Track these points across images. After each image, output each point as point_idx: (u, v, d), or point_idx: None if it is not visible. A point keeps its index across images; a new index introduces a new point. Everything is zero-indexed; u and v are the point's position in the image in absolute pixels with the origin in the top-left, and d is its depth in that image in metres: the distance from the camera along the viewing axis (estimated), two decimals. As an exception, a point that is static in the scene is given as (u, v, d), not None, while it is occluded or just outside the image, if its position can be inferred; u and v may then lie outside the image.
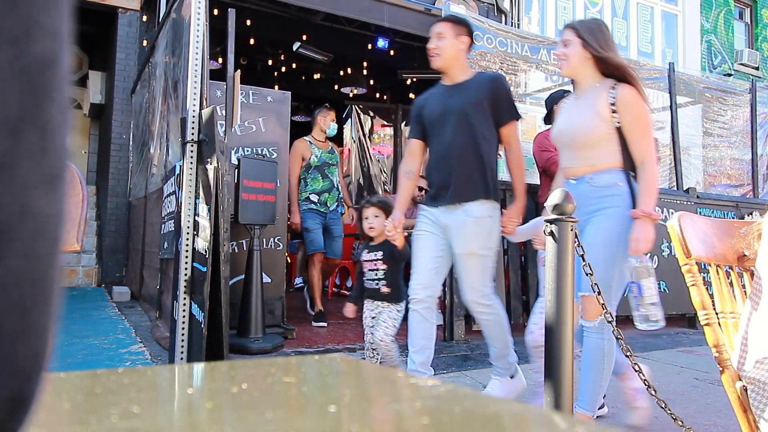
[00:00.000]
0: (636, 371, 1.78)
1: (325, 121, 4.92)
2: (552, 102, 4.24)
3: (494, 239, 2.59)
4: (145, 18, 7.11)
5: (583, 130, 2.22)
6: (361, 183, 8.02)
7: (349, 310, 2.92)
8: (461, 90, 2.61)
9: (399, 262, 2.85)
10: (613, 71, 2.25)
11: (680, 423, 1.61)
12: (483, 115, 2.56)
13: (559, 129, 2.35)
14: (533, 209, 4.35)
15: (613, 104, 2.18)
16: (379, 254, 2.83)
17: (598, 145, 2.19)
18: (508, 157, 2.70)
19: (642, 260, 2.02)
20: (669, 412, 1.62)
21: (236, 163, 3.81)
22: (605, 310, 1.85)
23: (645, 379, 1.75)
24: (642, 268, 2.00)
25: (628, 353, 1.77)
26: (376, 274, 2.84)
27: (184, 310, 2.85)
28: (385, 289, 2.81)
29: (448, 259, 2.64)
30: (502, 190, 4.22)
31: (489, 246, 2.56)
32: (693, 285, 1.34)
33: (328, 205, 4.78)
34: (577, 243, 1.77)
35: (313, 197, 4.71)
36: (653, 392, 1.70)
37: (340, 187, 4.99)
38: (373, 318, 2.85)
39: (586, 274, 1.85)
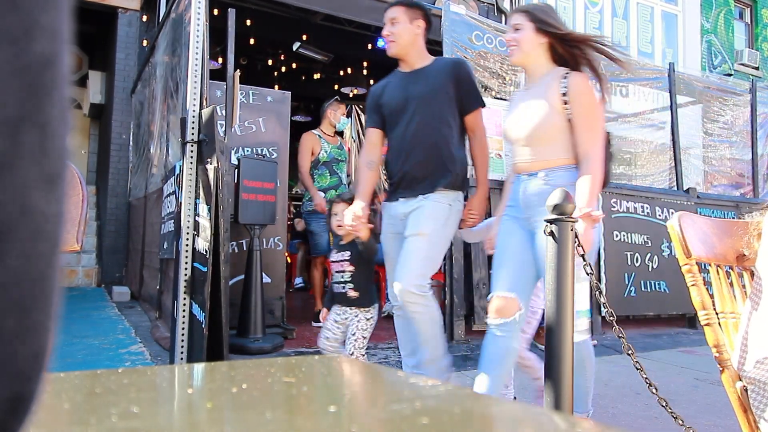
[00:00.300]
0: (638, 369, 1.77)
1: (335, 115, 4.74)
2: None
3: (449, 229, 2.40)
4: (145, 18, 7.11)
5: (536, 123, 2.06)
6: (361, 183, 8.03)
7: (324, 316, 2.68)
8: (422, 76, 2.46)
9: (369, 263, 2.62)
10: (576, 47, 2.11)
11: (681, 422, 1.61)
12: (446, 103, 2.40)
13: (511, 122, 2.18)
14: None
15: (564, 94, 2.03)
16: (347, 254, 2.59)
17: (552, 139, 2.05)
18: (471, 145, 2.55)
19: (578, 264, 1.81)
20: (669, 411, 1.62)
21: (236, 163, 3.81)
22: (606, 309, 1.84)
23: (646, 377, 1.75)
24: (577, 271, 1.80)
25: (630, 352, 1.77)
26: (343, 276, 2.59)
27: (184, 310, 2.86)
28: (352, 294, 2.56)
29: None
30: (497, 189, 4.24)
31: (441, 233, 2.35)
32: (693, 285, 1.34)
33: None
34: (577, 243, 1.77)
35: (320, 194, 4.65)
36: (654, 390, 1.70)
37: (347, 184, 4.89)
38: (336, 322, 2.60)
39: (587, 274, 1.85)
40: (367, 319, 2.58)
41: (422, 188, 2.38)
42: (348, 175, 7.76)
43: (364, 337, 2.57)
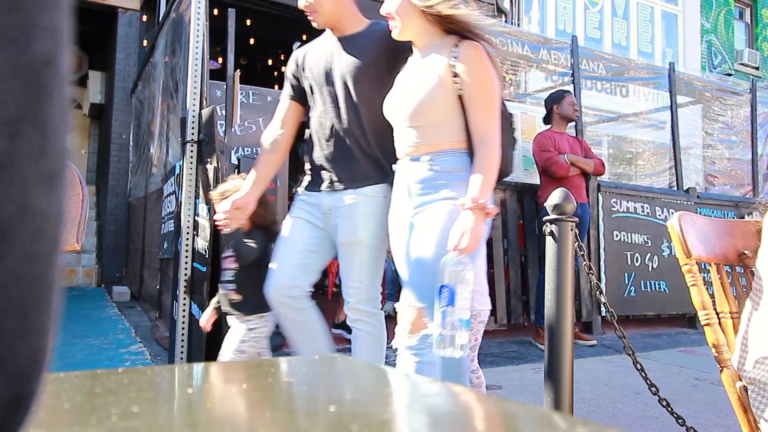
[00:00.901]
0: (638, 370, 1.77)
1: None
2: (552, 102, 4.25)
3: (386, 225, 2.04)
4: (145, 18, 7.11)
5: (420, 100, 1.75)
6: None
7: (205, 320, 2.36)
8: (351, 45, 2.05)
9: (261, 263, 2.24)
10: (451, 26, 1.78)
11: (681, 421, 1.61)
12: (376, 79, 2.00)
13: (393, 100, 1.86)
14: (534, 209, 4.36)
15: (455, 66, 1.73)
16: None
17: (439, 118, 1.75)
18: None
19: (462, 262, 1.55)
20: (670, 410, 1.62)
21: (236, 163, 3.81)
22: (607, 309, 1.84)
23: (646, 377, 1.75)
24: (461, 271, 1.53)
25: (630, 352, 1.77)
26: (226, 275, 2.26)
27: (184, 310, 2.86)
28: (234, 296, 2.22)
29: (324, 255, 2.09)
30: (500, 190, 4.24)
31: (380, 233, 2.00)
32: (693, 285, 1.34)
33: None
34: (577, 243, 1.77)
35: None
36: (654, 391, 1.70)
37: None
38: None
39: (587, 274, 1.84)
40: (249, 329, 2.21)
41: (349, 180, 2.02)
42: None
43: (242, 351, 2.19)
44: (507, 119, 1.83)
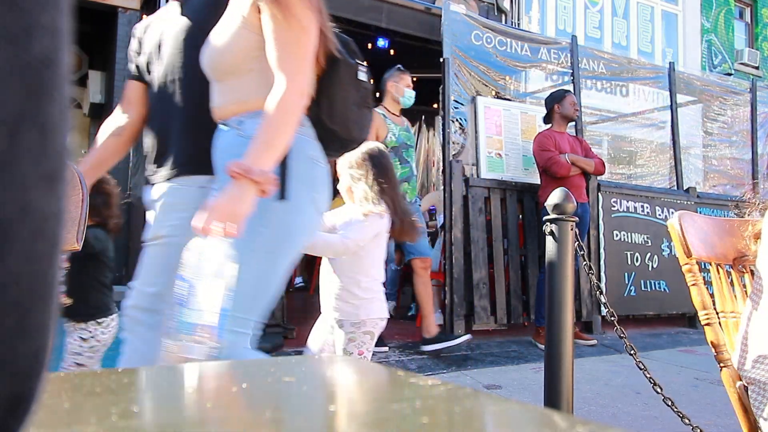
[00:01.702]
0: (641, 369, 1.77)
1: (398, 88, 3.77)
2: (553, 101, 4.25)
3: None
4: (145, 17, 7.12)
5: (220, 46, 1.38)
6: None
7: None
8: (186, 8, 1.72)
9: (96, 262, 2.01)
10: None
11: (687, 421, 1.61)
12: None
13: (203, 49, 1.47)
14: (534, 209, 4.35)
15: None
16: None
17: (244, 69, 1.36)
18: None
19: (208, 249, 1.18)
20: (675, 410, 1.62)
21: (236, 162, 3.80)
22: (607, 309, 1.84)
23: (650, 377, 1.75)
24: (205, 262, 1.16)
25: (632, 351, 1.77)
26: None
27: (184, 310, 2.85)
28: (63, 299, 1.95)
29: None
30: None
31: (188, 232, 1.61)
32: (693, 284, 1.34)
33: (407, 198, 3.63)
34: (577, 243, 1.77)
35: None
36: (659, 390, 1.70)
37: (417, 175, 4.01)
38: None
39: (587, 274, 1.84)
40: (83, 339, 1.96)
41: (167, 169, 1.65)
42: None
43: (78, 364, 1.96)
44: (350, 69, 1.44)
